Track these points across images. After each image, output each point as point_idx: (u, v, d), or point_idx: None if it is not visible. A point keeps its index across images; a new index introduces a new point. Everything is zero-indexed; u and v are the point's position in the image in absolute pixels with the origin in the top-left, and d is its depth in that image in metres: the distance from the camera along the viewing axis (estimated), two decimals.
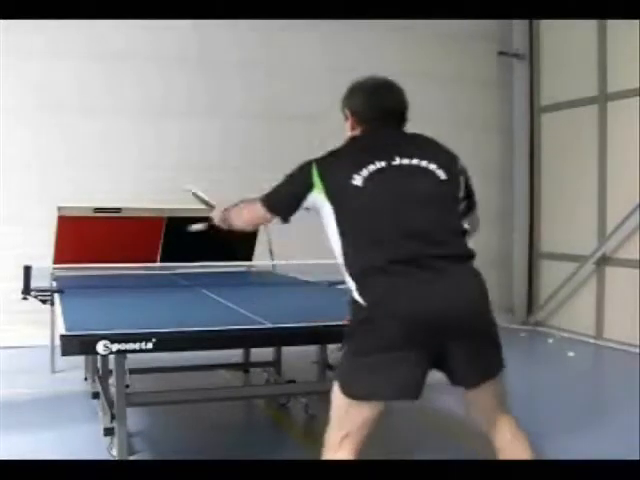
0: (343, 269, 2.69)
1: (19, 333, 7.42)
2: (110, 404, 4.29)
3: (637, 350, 7.35)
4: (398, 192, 2.65)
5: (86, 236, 6.28)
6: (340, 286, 5.54)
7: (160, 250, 6.63)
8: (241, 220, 3.20)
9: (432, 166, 2.71)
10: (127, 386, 3.93)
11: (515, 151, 9.59)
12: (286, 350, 5.71)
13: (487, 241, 9.03)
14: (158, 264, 6.57)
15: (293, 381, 5.18)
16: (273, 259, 6.76)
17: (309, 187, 2.73)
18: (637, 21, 7.28)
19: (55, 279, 5.77)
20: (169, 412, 5.17)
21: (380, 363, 2.52)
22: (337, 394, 2.67)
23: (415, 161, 2.70)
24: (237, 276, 6.70)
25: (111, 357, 3.92)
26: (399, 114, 2.89)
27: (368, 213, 2.63)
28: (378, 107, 2.85)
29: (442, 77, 9.21)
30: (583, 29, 8.37)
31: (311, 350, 5.00)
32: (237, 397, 5.24)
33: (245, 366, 6.27)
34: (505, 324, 8.67)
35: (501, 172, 9.62)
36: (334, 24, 8.19)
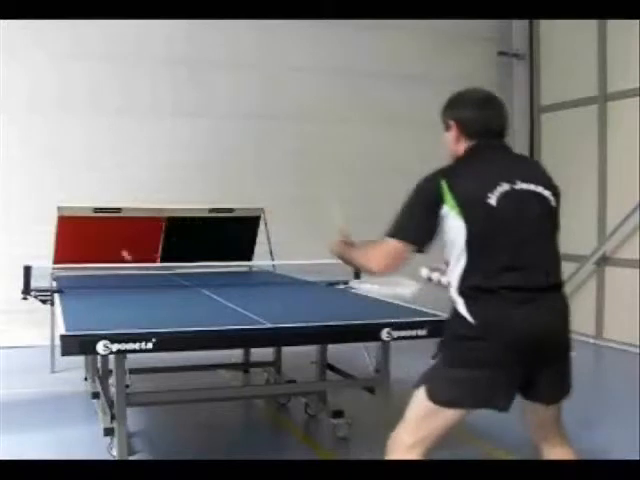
0: (455, 282, 2.71)
1: (19, 333, 7.43)
2: (110, 404, 4.29)
3: (637, 350, 7.35)
4: (521, 218, 2.68)
5: (86, 236, 6.28)
6: (340, 286, 5.57)
7: (160, 250, 6.63)
8: (372, 262, 2.83)
9: (546, 193, 2.76)
10: (127, 386, 3.93)
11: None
12: (286, 350, 5.71)
13: None
14: (158, 264, 6.57)
15: (293, 381, 5.18)
16: (273, 259, 6.77)
17: (440, 202, 2.66)
18: (637, 21, 7.28)
19: (55, 279, 5.77)
20: (169, 412, 5.17)
21: (478, 377, 2.62)
22: (422, 398, 2.72)
23: (532, 186, 2.74)
24: (237, 276, 6.70)
25: (111, 357, 3.92)
26: (504, 130, 2.91)
27: (498, 235, 2.65)
28: (490, 122, 2.85)
29: (442, 77, 9.20)
30: (583, 29, 8.37)
31: (311, 350, 5.00)
32: (237, 397, 5.24)
33: (245, 366, 6.27)
34: None
35: None
36: (327, 24, 8.18)
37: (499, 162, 2.81)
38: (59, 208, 6.19)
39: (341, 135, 8.96)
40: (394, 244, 2.71)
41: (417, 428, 2.73)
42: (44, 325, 6.12)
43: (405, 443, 2.74)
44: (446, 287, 2.82)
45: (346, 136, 8.98)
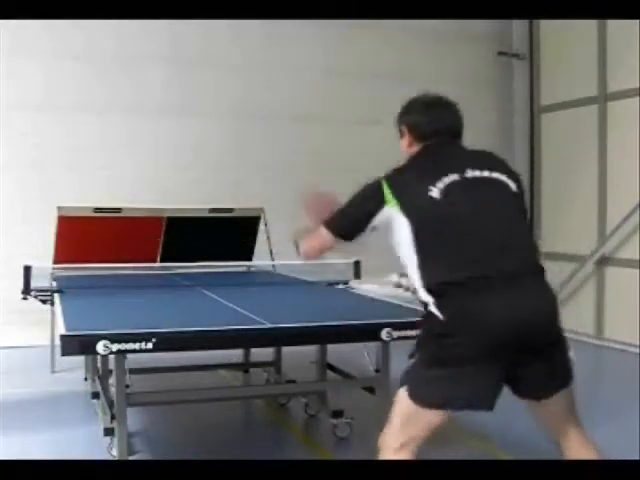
0: (417, 282, 2.66)
1: (19, 333, 7.42)
2: (110, 404, 4.29)
3: (637, 350, 7.35)
4: (475, 204, 2.65)
5: (86, 236, 6.29)
6: (340, 286, 5.57)
7: (160, 250, 6.63)
8: (305, 246, 2.98)
9: (503, 177, 2.73)
10: (127, 386, 3.93)
11: (515, 151, 9.59)
12: (286, 350, 5.71)
13: None
14: (158, 264, 6.57)
15: (293, 381, 5.18)
16: (273, 259, 6.77)
17: (380, 204, 2.70)
18: (637, 21, 7.28)
19: (55, 279, 5.77)
20: (169, 412, 5.17)
21: (456, 376, 2.54)
22: (404, 399, 2.68)
23: (486, 173, 2.71)
24: (237, 276, 6.70)
25: (111, 357, 3.92)
26: (457, 130, 2.92)
27: (448, 225, 2.61)
28: (438, 123, 2.87)
29: (442, 77, 9.21)
30: (583, 29, 8.37)
31: (311, 350, 5.00)
32: (237, 397, 5.25)
33: (245, 366, 6.27)
34: None
35: None
36: (324, 24, 8.19)
37: (447, 156, 2.81)
38: (59, 208, 6.19)
39: (341, 135, 8.97)
40: (324, 233, 2.85)
41: (402, 430, 2.68)
42: (44, 325, 6.12)
43: (392, 446, 2.69)
44: (415, 292, 2.78)
45: (346, 136, 8.99)
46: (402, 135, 2.94)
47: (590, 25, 8.29)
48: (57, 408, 5.45)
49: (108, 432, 4.21)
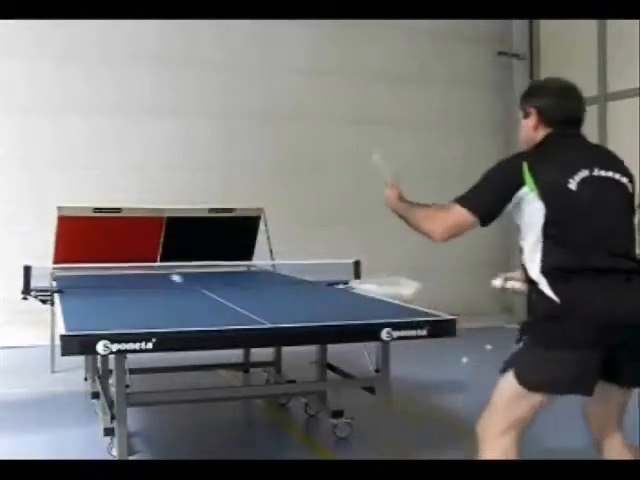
0: (536, 265, 2.74)
1: (19, 333, 7.43)
2: (110, 404, 4.29)
3: None
4: (601, 202, 2.76)
5: (86, 236, 6.28)
6: (340, 286, 5.57)
7: (160, 250, 6.63)
8: (436, 224, 2.82)
9: (623, 180, 2.86)
10: (127, 386, 3.93)
11: (515, 151, 9.57)
12: (286, 350, 5.71)
13: (487, 241, 9.05)
14: (158, 264, 6.57)
15: (293, 381, 5.18)
16: (273, 259, 6.77)
17: (519, 184, 2.73)
18: (637, 21, 7.28)
19: (55, 279, 5.77)
20: (169, 412, 5.17)
21: (565, 357, 2.63)
22: (511, 382, 2.74)
23: (610, 173, 2.83)
24: (237, 276, 6.70)
25: (111, 357, 3.92)
26: (581, 120, 2.99)
27: (578, 217, 2.71)
28: (570, 111, 2.94)
29: (442, 78, 9.22)
30: (583, 29, 8.37)
31: (311, 350, 5.00)
32: (237, 397, 5.24)
33: (245, 366, 6.27)
34: (504, 324, 8.68)
35: None
36: (314, 24, 8.19)
37: (578, 149, 2.89)
38: (59, 208, 6.19)
39: (338, 135, 8.98)
40: (462, 212, 2.76)
41: (507, 413, 2.75)
42: (44, 325, 6.12)
43: (497, 429, 2.76)
44: (522, 293, 2.88)
45: (344, 136, 9.00)
46: (527, 116, 2.97)
47: (590, 25, 8.29)
48: (57, 408, 5.45)
49: (108, 432, 4.22)
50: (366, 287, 5.10)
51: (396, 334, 3.65)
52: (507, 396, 2.76)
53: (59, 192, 7.40)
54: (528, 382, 2.70)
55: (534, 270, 2.75)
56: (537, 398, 2.71)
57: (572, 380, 2.66)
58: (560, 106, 2.92)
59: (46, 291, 5.48)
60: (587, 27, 8.29)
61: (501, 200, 2.76)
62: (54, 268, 6.12)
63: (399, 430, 4.16)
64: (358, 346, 4.51)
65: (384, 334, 3.63)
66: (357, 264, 5.92)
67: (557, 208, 2.71)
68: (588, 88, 8.45)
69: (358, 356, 4.60)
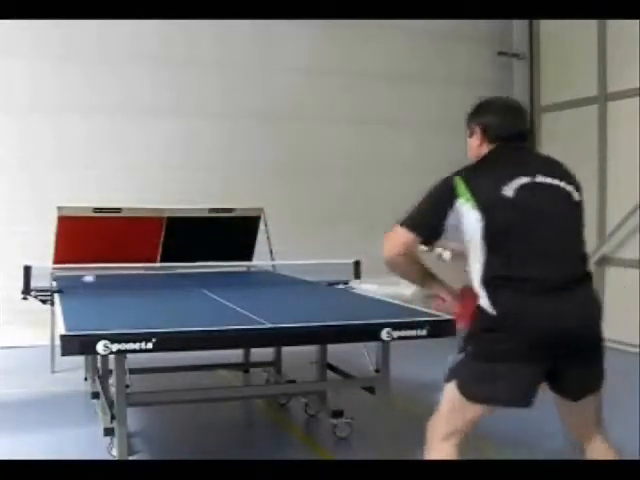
0: (477, 275, 2.74)
1: (19, 333, 7.43)
2: (110, 404, 4.29)
3: (637, 350, 7.35)
4: (542, 208, 2.74)
5: (86, 236, 6.28)
6: (340, 286, 5.57)
7: (160, 250, 6.63)
8: (385, 245, 2.85)
9: (569, 187, 2.84)
10: (127, 386, 3.93)
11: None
12: (286, 350, 5.71)
13: None
14: (158, 264, 6.57)
15: (293, 381, 5.18)
16: (273, 259, 6.77)
17: (454, 198, 2.73)
18: (637, 21, 7.28)
19: (55, 279, 5.77)
20: (169, 412, 5.17)
21: (502, 371, 2.64)
22: (453, 391, 2.78)
23: (555, 181, 2.81)
24: (237, 276, 6.70)
25: (111, 357, 3.92)
26: (526, 135, 3.01)
27: (517, 225, 2.70)
28: (512, 127, 2.95)
29: (442, 78, 9.22)
30: (583, 29, 8.37)
31: (311, 350, 5.00)
32: (237, 397, 5.24)
33: (245, 366, 6.27)
34: None
35: None
36: (325, 24, 8.19)
37: (519, 159, 2.90)
38: (59, 208, 6.19)
39: (338, 135, 8.97)
40: (402, 231, 2.79)
41: (449, 420, 2.79)
42: (44, 325, 6.12)
43: (440, 434, 2.80)
44: (446, 262, 2.96)
45: (344, 136, 8.99)
46: (472, 134, 2.98)
47: (590, 25, 8.29)
48: (57, 408, 5.44)
49: (108, 432, 4.22)
50: (366, 287, 5.11)
51: (396, 334, 3.65)
52: (450, 404, 2.80)
53: (59, 192, 7.38)
54: (468, 394, 2.74)
55: (476, 281, 2.74)
56: (478, 408, 2.74)
57: (508, 394, 2.68)
58: (502, 123, 2.93)
59: (46, 291, 5.47)
60: (587, 27, 8.29)
61: (437, 215, 2.76)
62: (54, 268, 6.12)
63: (399, 430, 4.16)
64: (358, 346, 4.51)
65: (384, 334, 3.63)
66: (357, 264, 5.92)
67: (494, 216, 2.69)
68: (588, 88, 8.51)
69: (358, 356, 4.61)
